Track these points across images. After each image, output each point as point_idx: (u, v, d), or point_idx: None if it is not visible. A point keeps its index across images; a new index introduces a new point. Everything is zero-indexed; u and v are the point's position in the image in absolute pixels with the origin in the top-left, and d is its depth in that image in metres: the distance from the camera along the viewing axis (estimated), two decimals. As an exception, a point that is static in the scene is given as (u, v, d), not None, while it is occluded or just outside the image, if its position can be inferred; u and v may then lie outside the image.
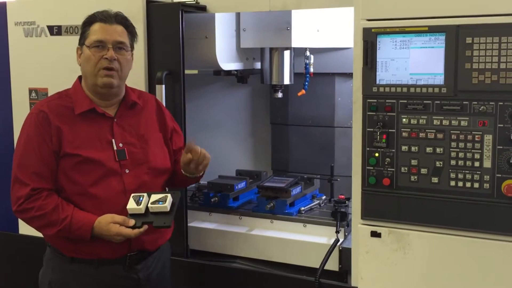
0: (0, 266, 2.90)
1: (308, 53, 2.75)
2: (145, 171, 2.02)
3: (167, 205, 1.89)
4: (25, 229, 2.72)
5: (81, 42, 2.00)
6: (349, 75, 3.03)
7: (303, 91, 2.78)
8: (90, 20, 1.98)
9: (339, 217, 2.35)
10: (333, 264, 2.25)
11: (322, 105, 3.07)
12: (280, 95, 2.81)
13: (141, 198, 1.89)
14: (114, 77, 1.95)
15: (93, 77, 1.96)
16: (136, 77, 2.40)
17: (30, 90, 2.72)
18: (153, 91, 2.39)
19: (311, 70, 2.76)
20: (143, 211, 1.88)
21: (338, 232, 2.29)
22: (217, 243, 2.48)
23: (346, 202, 2.43)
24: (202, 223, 2.55)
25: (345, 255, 2.22)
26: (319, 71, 2.85)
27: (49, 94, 2.65)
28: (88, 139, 1.95)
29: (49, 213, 1.87)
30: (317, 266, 2.21)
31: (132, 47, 2.04)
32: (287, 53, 2.75)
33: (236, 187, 2.60)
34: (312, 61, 2.75)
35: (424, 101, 1.86)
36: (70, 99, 2.00)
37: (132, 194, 1.92)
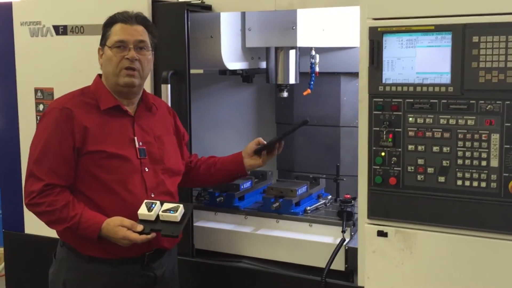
0: (6, 265, 2.91)
1: (313, 53, 2.73)
2: (162, 171, 2.05)
3: (178, 215, 1.90)
4: (31, 228, 2.74)
5: (103, 43, 2.02)
6: (355, 75, 3.01)
7: (309, 91, 2.77)
8: (111, 21, 2.01)
9: (345, 217, 2.34)
10: (339, 264, 2.24)
11: (328, 104, 3.06)
12: (285, 94, 2.81)
13: (153, 205, 1.91)
14: (135, 77, 1.99)
15: (114, 76, 1.99)
16: None
17: (36, 90, 2.73)
18: (159, 90, 2.40)
19: (317, 69, 2.75)
20: (153, 218, 1.90)
21: (344, 232, 2.29)
22: (222, 243, 2.48)
23: (352, 201, 2.43)
24: (208, 222, 2.55)
25: (351, 255, 2.21)
26: (324, 71, 2.83)
27: (55, 94, 2.67)
28: (113, 136, 1.97)
29: (59, 209, 1.89)
30: (323, 266, 2.21)
31: (152, 47, 2.07)
32: (292, 53, 2.74)
33: (242, 187, 2.60)
34: (317, 60, 2.74)
35: (431, 100, 1.85)
36: (93, 96, 2.01)
37: (145, 200, 1.93)
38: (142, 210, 1.90)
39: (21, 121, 2.78)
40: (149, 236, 1.87)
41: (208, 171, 2.28)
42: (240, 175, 2.34)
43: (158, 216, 1.90)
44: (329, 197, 2.65)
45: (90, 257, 1.95)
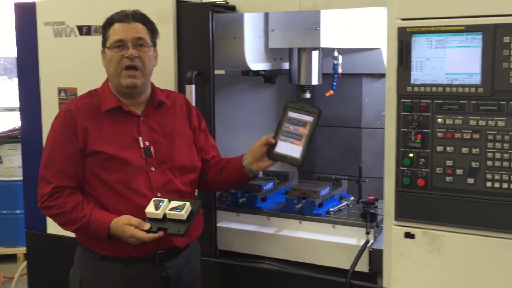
0: (29, 265, 2.93)
1: (336, 53, 2.72)
2: (171, 169, 2.03)
3: (184, 213, 1.88)
4: (53, 228, 2.75)
5: (104, 45, 2.02)
6: (377, 76, 3.03)
7: (331, 92, 2.75)
8: (109, 22, 2.01)
9: (369, 218, 2.32)
10: (362, 266, 2.22)
11: (349, 106, 3.05)
12: (308, 95, 2.79)
13: (160, 203, 1.90)
14: (137, 77, 1.97)
15: (116, 78, 1.99)
16: (166, 77, 2.41)
17: (59, 90, 2.74)
18: (183, 91, 2.39)
19: (340, 70, 2.73)
20: (160, 217, 1.89)
21: (368, 233, 2.27)
22: (245, 244, 2.47)
23: (375, 203, 2.41)
24: (230, 223, 2.54)
25: (375, 257, 2.19)
26: (346, 72, 2.82)
27: (78, 94, 2.67)
28: (114, 137, 1.98)
29: (69, 211, 1.92)
30: (346, 268, 2.19)
31: (154, 44, 2.04)
32: (315, 54, 2.73)
33: (264, 188, 2.59)
34: (340, 61, 2.72)
35: (460, 101, 1.83)
36: (99, 98, 2.03)
37: (153, 198, 1.93)
38: (150, 209, 1.90)
39: (44, 121, 2.79)
40: (156, 235, 1.87)
41: (215, 180, 2.19)
42: (249, 180, 2.23)
43: (165, 214, 1.89)
44: (352, 198, 2.63)
45: (102, 256, 1.97)
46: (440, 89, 1.86)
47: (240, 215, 2.55)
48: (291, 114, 2.06)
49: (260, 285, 2.39)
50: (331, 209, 2.47)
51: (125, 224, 1.88)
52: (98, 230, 1.91)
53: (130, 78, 1.96)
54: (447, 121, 1.85)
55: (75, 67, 2.69)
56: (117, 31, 1.96)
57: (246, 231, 2.48)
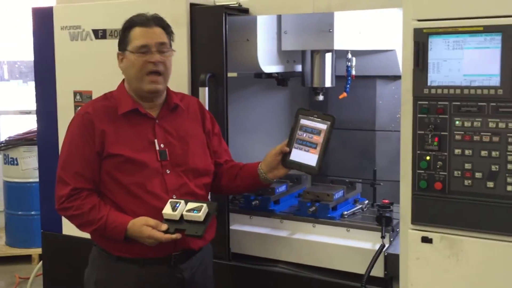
0: (44, 265, 2.95)
1: (350, 55, 2.70)
2: (185, 172, 2.03)
3: (201, 214, 1.89)
4: (68, 229, 2.76)
5: (123, 48, 2.02)
6: (391, 78, 3.01)
7: (345, 94, 2.73)
8: (129, 25, 2.01)
9: (384, 222, 2.29)
10: (378, 270, 2.19)
11: (363, 108, 3.02)
12: (321, 98, 2.77)
13: (177, 205, 1.91)
14: (159, 83, 1.99)
15: (138, 81, 1.99)
16: (179, 79, 2.41)
17: (75, 93, 2.76)
18: (196, 93, 2.39)
19: (353, 72, 2.71)
20: (177, 218, 1.89)
21: (384, 237, 2.24)
22: (258, 247, 2.45)
23: (391, 206, 2.38)
24: (243, 226, 2.53)
25: (391, 261, 2.17)
26: (360, 74, 2.79)
27: (93, 97, 2.67)
28: (130, 140, 1.98)
29: (87, 212, 1.93)
30: (361, 272, 2.16)
31: (171, 46, 2.05)
32: (328, 56, 2.71)
33: (277, 190, 2.57)
34: (354, 63, 2.70)
35: (479, 103, 1.80)
36: (115, 100, 2.03)
37: (170, 200, 1.93)
38: (167, 210, 1.90)
39: (60, 124, 2.81)
40: (173, 236, 1.87)
41: (228, 185, 2.18)
42: (264, 187, 2.26)
43: (182, 215, 1.90)
44: (366, 202, 2.60)
45: (117, 257, 1.98)
46: (458, 91, 1.83)
47: (253, 218, 2.54)
48: (304, 121, 2.06)
49: (274, 288, 2.37)
50: (345, 212, 2.45)
51: (142, 225, 1.89)
52: (115, 232, 1.91)
53: (153, 83, 1.98)
54: (465, 124, 1.82)
55: (91, 71, 2.71)
56: (140, 36, 1.97)
57: (259, 234, 2.46)
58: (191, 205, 1.91)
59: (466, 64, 1.82)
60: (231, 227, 2.50)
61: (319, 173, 2.05)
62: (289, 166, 2.07)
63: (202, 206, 1.90)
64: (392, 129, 2.98)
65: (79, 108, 2.11)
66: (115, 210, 1.95)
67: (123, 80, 2.10)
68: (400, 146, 1.93)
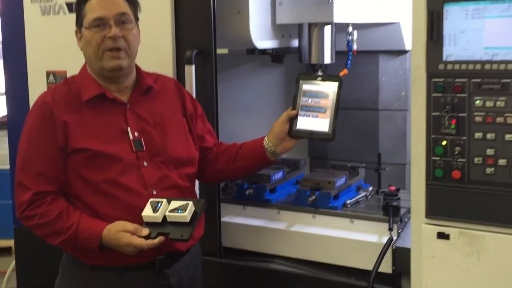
0: (18, 263, 2.84)
1: (351, 29, 2.51)
2: (165, 162, 1.82)
3: (187, 214, 1.68)
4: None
5: (79, 24, 1.79)
6: (395, 53, 2.84)
7: (346, 71, 2.54)
8: None
9: (391, 212, 2.11)
10: (385, 266, 2.03)
11: (365, 86, 2.84)
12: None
13: (159, 205, 1.69)
14: (122, 58, 1.76)
15: (98, 61, 1.77)
16: (162, 57, 2.25)
17: (48, 73, 2.59)
18: (182, 72, 2.21)
19: (354, 47, 2.52)
20: (159, 220, 1.68)
21: (392, 230, 2.07)
22: (252, 241, 2.31)
23: (398, 194, 2.20)
24: (236, 217, 2.38)
25: (400, 256, 2.01)
26: (362, 49, 2.61)
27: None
28: (98, 130, 1.76)
29: (53, 220, 1.71)
30: (366, 268, 2.02)
31: (136, 18, 1.83)
32: (328, 29, 2.51)
33: (273, 178, 2.40)
34: (355, 37, 2.52)
35: (502, 80, 1.61)
36: (78, 85, 1.81)
37: (150, 200, 1.72)
38: (147, 212, 1.69)
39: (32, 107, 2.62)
40: (155, 241, 1.66)
41: (226, 169, 2.00)
42: (267, 166, 2.08)
43: (165, 216, 1.69)
44: (370, 188, 2.44)
45: (93, 266, 1.77)
46: (478, 66, 1.64)
47: (247, 209, 2.39)
48: (306, 87, 1.96)
49: (270, 287, 2.22)
50: (348, 201, 2.28)
51: (119, 231, 1.67)
52: (88, 241, 1.69)
53: (115, 59, 1.75)
54: (487, 103, 1.63)
55: (65, 48, 2.47)
56: (95, 7, 1.74)
57: (253, 226, 2.32)
58: (174, 203, 1.69)
59: (487, 35, 1.63)
60: (222, 219, 2.34)
61: (333, 138, 1.95)
62: (298, 135, 1.96)
63: (187, 204, 1.68)
64: (396, 109, 2.85)
65: (38, 97, 1.88)
66: (87, 215, 1.73)
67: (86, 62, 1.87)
68: (406, 127, 1.74)
